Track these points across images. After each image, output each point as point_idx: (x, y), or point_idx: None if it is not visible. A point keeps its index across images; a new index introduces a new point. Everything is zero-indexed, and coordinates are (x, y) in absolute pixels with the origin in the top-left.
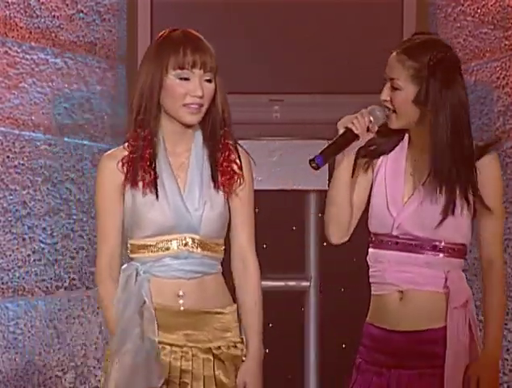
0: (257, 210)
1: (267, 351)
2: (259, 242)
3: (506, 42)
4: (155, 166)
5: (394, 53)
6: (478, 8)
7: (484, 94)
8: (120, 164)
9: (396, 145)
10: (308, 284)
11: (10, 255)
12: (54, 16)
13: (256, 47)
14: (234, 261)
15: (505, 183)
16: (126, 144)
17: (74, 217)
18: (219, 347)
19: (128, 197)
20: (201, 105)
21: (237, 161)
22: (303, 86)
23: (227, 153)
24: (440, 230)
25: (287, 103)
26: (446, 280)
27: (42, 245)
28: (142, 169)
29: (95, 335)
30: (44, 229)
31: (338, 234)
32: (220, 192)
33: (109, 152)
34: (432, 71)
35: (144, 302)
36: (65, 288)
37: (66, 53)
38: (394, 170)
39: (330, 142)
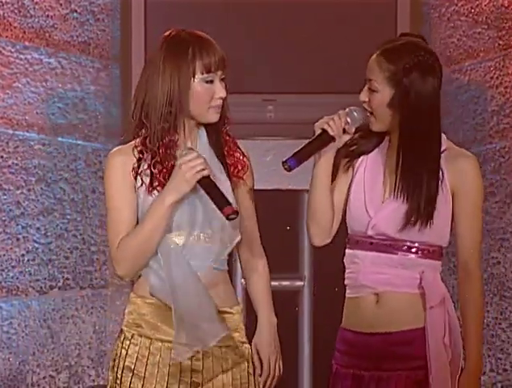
0: None
1: None
2: None
3: (500, 42)
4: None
5: (374, 55)
6: (472, 8)
7: (477, 94)
8: (133, 172)
9: (377, 146)
10: (302, 283)
11: (4, 255)
12: (48, 16)
13: (250, 47)
14: (242, 253)
15: (499, 183)
16: (138, 148)
17: (68, 216)
18: (227, 347)
19: (138, 195)
20: (221, 103)
21: (239, 151)
22: (296, 86)
23: (229, 146)
24: (414, 232)
25: (280, 103)
26: (420, 280)
27: (36, 245)
28: (161, 175)
29: (89, 335)
30: (38, 228)
31: (320, 237)
32: (230, 185)
33: (118, 148)
34: (407, 75)
35: None
36: (59, 288)
37: (60, 53)
38: (373, 171)
39: (305, 143)
